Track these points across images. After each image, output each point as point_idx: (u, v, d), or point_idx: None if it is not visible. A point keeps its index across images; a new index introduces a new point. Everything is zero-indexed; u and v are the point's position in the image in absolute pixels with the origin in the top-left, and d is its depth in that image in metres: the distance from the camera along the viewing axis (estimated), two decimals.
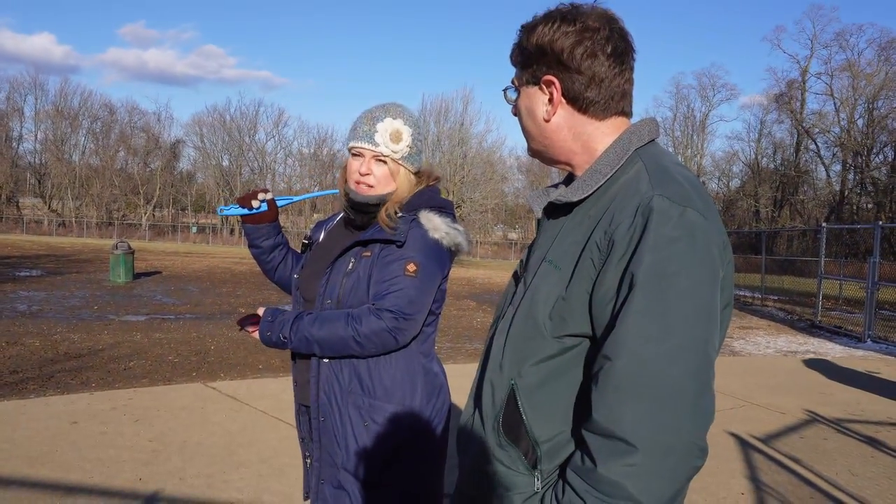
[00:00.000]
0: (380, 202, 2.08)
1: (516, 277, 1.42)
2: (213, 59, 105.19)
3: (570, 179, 1.39)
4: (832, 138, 45.99)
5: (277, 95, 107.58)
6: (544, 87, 1.29)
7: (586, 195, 1.24)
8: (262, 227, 2.32)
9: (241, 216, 2.27)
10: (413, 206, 2.09)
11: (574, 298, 1.18)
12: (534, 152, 1.40)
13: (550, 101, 1.29)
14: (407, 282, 1.98)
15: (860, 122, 44.52)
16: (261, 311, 2.10)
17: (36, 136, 59.13)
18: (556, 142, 1.32)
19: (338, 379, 2.03)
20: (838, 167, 46.52)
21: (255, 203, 2.26)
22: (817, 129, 46.67)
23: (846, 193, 45.24)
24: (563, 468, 1.19)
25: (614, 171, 1.24)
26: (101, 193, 56.16)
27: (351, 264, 2.05)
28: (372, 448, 2.00)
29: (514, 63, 1.36)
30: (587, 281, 1.17)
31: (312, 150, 58.69)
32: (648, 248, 1.08)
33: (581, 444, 1.12)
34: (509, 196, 56.67)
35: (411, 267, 1.99)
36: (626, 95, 1.29)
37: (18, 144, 58.81)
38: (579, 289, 1.17)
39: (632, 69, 1.30)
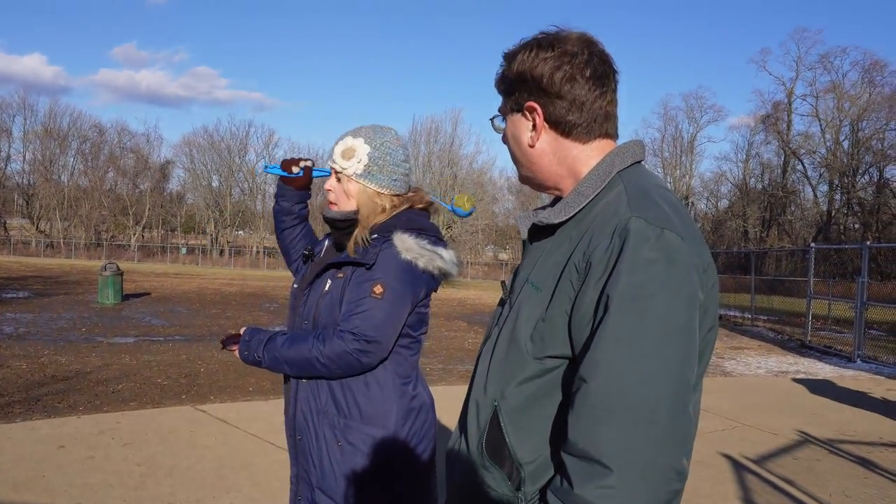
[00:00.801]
0: (347, 219, 2.11)
1: (502, 300, 1.43)
2: (205, 80, 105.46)
3: (556, 202, 1.40)
4: (818, 159, 46.51)
5: (269, 117, 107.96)
6: (527, 113, 1.30)
7: (567, 217, 1.25)
8: (291, 189, 2.43)
9: (280, 176, 2.43)
10: (388, 227, 2.07)
11: (554, 320, 1.18)
12: (523, 179, 1.41)
13: (534, 127, 1.30)
14: (372, 303, 1.96)
15: (846, 144, 45.09)
16: (242, 331, 2.14)
17: (24, 156, 58.96)
18: (542, 167, 1.33)
19: (315, 398, 2.05)
20: (825, 188, 47.03)
21: (294, 168, 2.38)
22: (804, 150, 47.19)
23: (833, 213, 45.65)
24: (543, 490, 1.19)
25: (596, 193, 1.24)
26: (89, 214, 55.89)
27: (328, 285, 2.08)
28: (346, 469, 2.00)
29: (499, 91, 1.38)
30: (566, 302, 1.17)
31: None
32: (625, 270, 1.08)
33: (559, 466, 1.12)
34: (500, 217, 56.77)
35: (378, 289, 1.97)
36: (609, 117, 1.30)
37: (6, 165, 58.53)
38: (559, 310, 1.18)
39: (614, 91, 1.30)
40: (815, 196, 47.90)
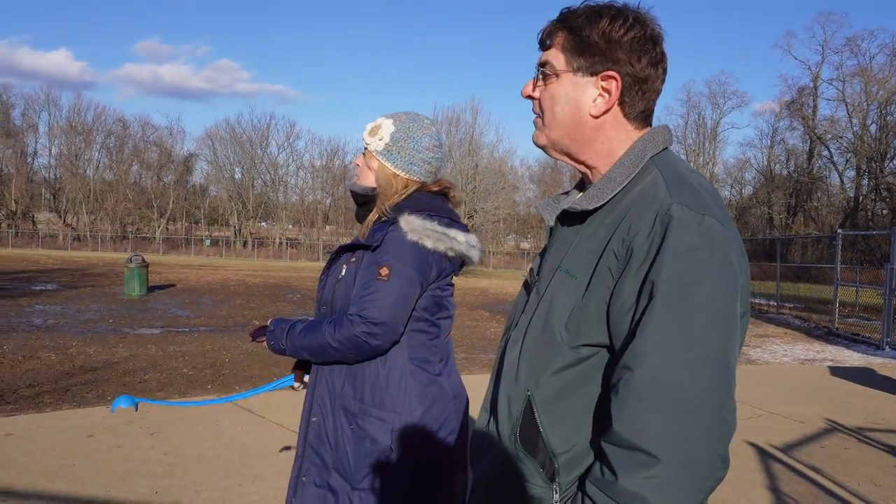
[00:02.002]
0: (365, 195, 2.17)
1: (527, 286, 1.40)
2: (228, 73, 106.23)
3: (581, 184, 1.38)
4: (845, 144, 45.70)
5: (290, 109, 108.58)
6: (602, 82, 1.25)
7: (601, 203, 1.22)
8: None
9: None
10: (398, 209, 2.07)
11: (591, 307, 1.16)
12: (551, 142, 1.32)
13: (604, 97, 1.25)
14: (378, 285, 1.96)
15: (873, 128, 44.22)
16: (269, 322, 2.21)
17: (50, 151, 59.92)
18: (588, 139, 1.28)
19: (332, 382, 2.08)
20: (852, 173, 46.21)
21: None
22: (830, 136, 46.38)
23: (860, 199, 44.89)
24: (581, 480, 1.17)
25: (630, 178, 1.22)
26: (115, 207, 56.62)
27: (343, 270, 2.10)
28: (359, 452, 2.00)
29: (561, 48, 1.27)
30: (604, 290, 1.15)
31: (324, 163, 59.00)
32: (668, 258, 1.07)
33: (601, 456, 1.10)
34: (521, 206, 56.62)
35: (384, 271, 1.97)
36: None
37: (33, 160, 59.55)
38: (596, 298, 1.16)
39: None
40: (842, 182, 47.15)
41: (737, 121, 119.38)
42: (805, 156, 49.20)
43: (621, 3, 1.27)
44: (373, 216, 2.10)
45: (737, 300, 1.10)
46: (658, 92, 1.28)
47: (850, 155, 45.43)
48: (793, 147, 50.67)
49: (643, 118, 1.28)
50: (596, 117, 1.26)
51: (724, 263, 1.08)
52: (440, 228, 2.05)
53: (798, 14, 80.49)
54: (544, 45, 1.31)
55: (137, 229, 58.46)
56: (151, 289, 17.76)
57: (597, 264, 1.17)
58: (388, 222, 2.04)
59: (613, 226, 1.18)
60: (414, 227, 2.01)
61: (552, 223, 1.34)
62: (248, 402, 6.02)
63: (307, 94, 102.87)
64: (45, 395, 6.17)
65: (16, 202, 55.83)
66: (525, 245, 59.07)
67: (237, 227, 59.48)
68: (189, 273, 27.25)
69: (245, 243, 56.81)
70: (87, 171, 59.23)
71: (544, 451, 1.21)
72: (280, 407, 5.85)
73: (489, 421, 1.35)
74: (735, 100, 64.13)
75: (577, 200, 1.26)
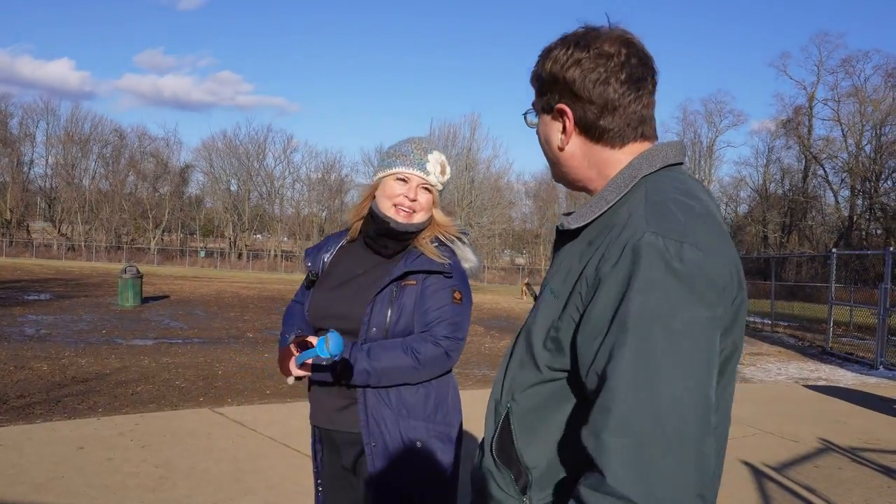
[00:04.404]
0: (416, 230, 2.18)
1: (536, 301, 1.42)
2: (229, 85, 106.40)
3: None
4: (840, 164, 45.95)
5: (288, 121, 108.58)
6: (558, 115, 1.26)
7: (585, 223, 1.21)
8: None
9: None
10: (450, 238, 2.24)
11: (564, 329, 1.15)
12: (556, 177, 1.37)
13: (564, 130, 1.25)
14: (456, 309, 2.13)
15: (868, 148, 44.49)
16: (312, 340, 2.04)
17: (47, 160, 59.86)
18: (572, 168, 1.29)
19: (386, 403, 2.09)
20: (847, 193, 46.45)
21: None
22: (825, 155, 46.65)
23: (855, 219, 45.08)
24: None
25: (619, 197, 1.18)
26: (110, 218, 56.54)
27: (394, 292, 2.12)
28: (425, 463, 2.09)
29: (532, 87, 1.33)
30: (576, 313, 1.13)
31: (320, 175, 59.07)
32: (637, 289, 1.02)
33: (576, 494, 1.04)
34: (517, 221, 56.77)
35: (457, 295, 2.14)
36: (645, 120, 1.24)
37: (30, 169, 59.49)
38: (568, 320, 1.14)
39: (650, 93, 1.24)
40: (837, 201, 47.36)
41: (733, 139, 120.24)
42: (800, 175, 49.46)
43: (585, 27, 1.25)
44: (428, 248, 2.16)
45: (715, 331, 1.04)
46: (631, 104, 1.21)
47: (844, 175, 45.67)
48: (788, 166, 51.02)
49: (629, 136, 1.23)
50: (563, 150, 1.28)
51: (698, 294, 1.02)
52: (475, 253, 2.29)
53: (794, 34, 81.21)
54: (533, 88, 1.35)
55: (132, 240, 58.35)
56: (145, 300, 17.68)
57: (574, 286, 1.15)
58: (448, 249, 2.21)
59: (593, 249, 1.15)
60: (466, 256, 2.24)
61: (554, 239, 1.35)
62: (240, 416, 5.99)
63: (305, 106, 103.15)
64: (35, 405, 6.12)
65: (11, 211, 55.69)
66: (520, 260, 59.15)
67: (232, 239, 59.41)
68: (183, 284, 27.17)
69: (240, 255, 56.77)
70: (83, 181, 59.28)
71: (517, 463, 1.23)
72: (273, 423, 5.81)
73: (485, 430, 1.38)
74: (731, 118, 64.55)
75: (567, 219, 1.25)
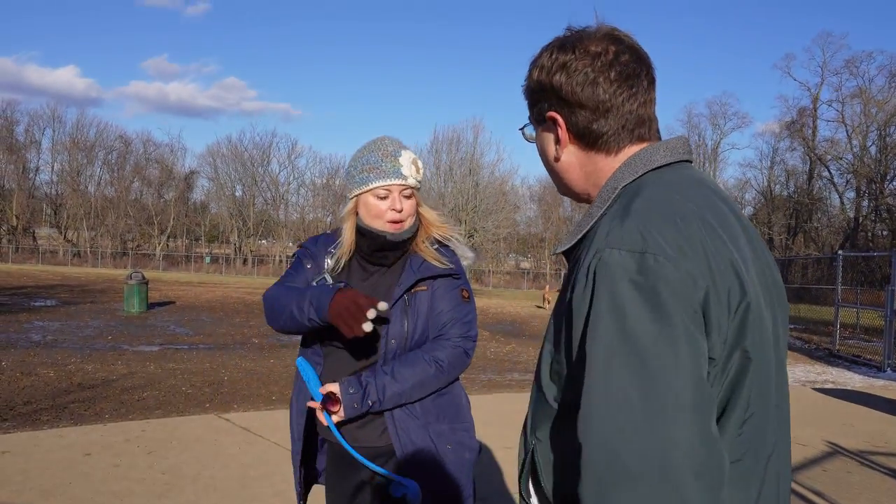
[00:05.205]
0: (411, 235, 2.12)
1: None
2: (235, 91, 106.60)
3: None
4: (845, 165, 45.82)
5: (293, 127, 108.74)
6: (550, 124, 1.18)
7: (567, 247, 1.15)
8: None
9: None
10: (446, 238, 2.21)
11: (560, 360, 1.10)
12: (561, 191, 1.29)
13: (557, 139, 1.18)
14: (467, 307, 2.13)
15: (873, 149, 44.35)
16: (334, 388, 2.00)
17: (52, 167, 60.15)
18: (571, 180, 1.21)
19: (412, 414, 2.06)
20: (852, 194, 46.28)
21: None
22: (830, 157, 46.52)
23: (860, 220, 44.93)
24: None
25: (602, 212, 1.11)
26: (115, 224, 56.73)
27: (406, 301, 2.07)
28: (454, 467, 2.08)
29: (525, 100, 1.26)
30: (561, 343, 1.09)
31: (325, 181, 59.18)
32: (599, 311, 0.96)
33: None
34: (521, 225, 56.68)
35: (465, 293, 2.14)
36: (643, 120, 1.15)
37: (35, 176, 59.75)
38: (561, 351, 1.09)
39: (647, 90, 1.15)
40: (842, 203, 47.20)
41: (737, 141, 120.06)
42: (805, 176, 49.36)
43: (574, 27, 1.19)
44: (429, 252, 2.11)
45: (690, 341, 0.93)
46: (625, 103, 1.13)
47: (849, 176, 45.54)
48: (793, 168, 50.90)
49: (627, 139, 1.15)
50: (559, 160, 1.21)
51: (660, 309, 0.93)
52: (471, 252, 2.25)
53: (797, 36, 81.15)
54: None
55: (137, 246, 58.52)
56: (151, 306, 17.72)
57: (563, 314, 1.09)
58: (445, 248, 2.18)
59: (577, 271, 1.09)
60: (464, 252, 2.21)
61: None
62: (246, 421, 5.99)
63: (309, 112, 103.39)
64: (42, 412, 6.13)
65: (17, 218, 55.93)
66: (525, 265, 59.08)
67: (237, 245, 59.53)
68: (189, 290, 27.22)
69: (245, 261, 56.80)
70: (89, 188, 59.57)
71: (542, 492, 1.17)
72: (279, 428, 5.81)
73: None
74: (735, 120, 64.33)
75: (558, 242, 1.20)
